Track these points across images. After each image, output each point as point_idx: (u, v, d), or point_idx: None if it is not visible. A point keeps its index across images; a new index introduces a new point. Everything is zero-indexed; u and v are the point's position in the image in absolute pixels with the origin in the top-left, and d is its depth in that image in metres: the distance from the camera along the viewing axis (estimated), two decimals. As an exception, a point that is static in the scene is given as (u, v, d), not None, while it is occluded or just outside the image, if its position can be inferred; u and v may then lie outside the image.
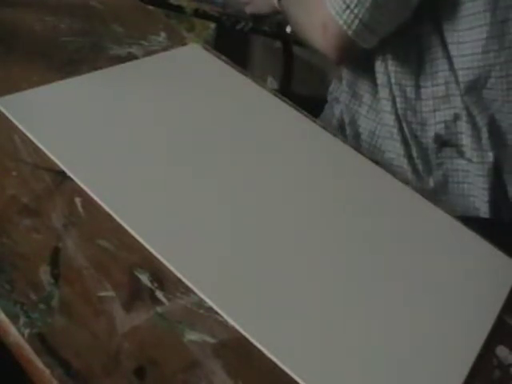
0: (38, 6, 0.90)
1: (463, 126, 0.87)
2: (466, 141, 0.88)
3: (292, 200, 0.70)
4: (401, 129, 0.90)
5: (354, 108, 0.97)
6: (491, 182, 0.88)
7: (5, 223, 0.57)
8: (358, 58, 0.92)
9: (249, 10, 1.21)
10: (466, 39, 0.83)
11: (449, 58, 0.86)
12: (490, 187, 0.87)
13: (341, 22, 0.82)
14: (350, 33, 0.83)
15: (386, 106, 0.91)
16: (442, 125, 0.88)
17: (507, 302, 0.65)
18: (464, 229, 0.73)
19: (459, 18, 0.83)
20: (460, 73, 0.85)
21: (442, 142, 0.89)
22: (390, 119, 0.91)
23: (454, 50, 0.85)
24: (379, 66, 0.91)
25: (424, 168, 0.91)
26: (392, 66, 0.89)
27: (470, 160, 0.88)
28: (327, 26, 0.84)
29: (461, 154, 0.89)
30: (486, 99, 0.86)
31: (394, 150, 0.92)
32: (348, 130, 0.98)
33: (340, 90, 1.01)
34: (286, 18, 1.02)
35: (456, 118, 0.87)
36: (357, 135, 0.97)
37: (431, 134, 0.89)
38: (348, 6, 0.81)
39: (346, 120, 0.98)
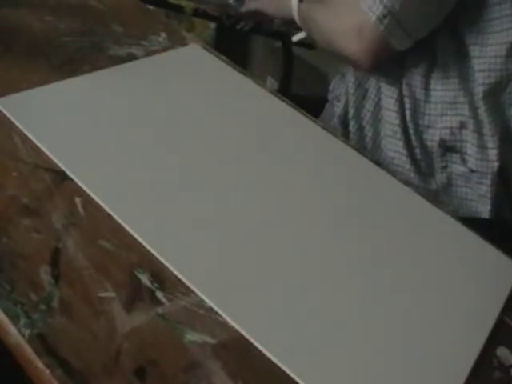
0: (38, 6, 0.90)
1: (469, 134, 0.87)
2: (470, 150, 0.87)
3: (292, 200, 0.70)
4: (405, 129, 0.90)
5: (358, 99, 0.96)
6: (494, 192, 0.87)
7: (5, 223, 0.57)
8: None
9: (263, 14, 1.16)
10: (491, 41, 0.83)
11: (463, 63, 0.85)
12: (492, 196, 0.87)
13: (382, 28, 0.81)
14: (390, 38, 0.82)
15: (392, 104, 0.90)
16: (448, 130, 0.88)
17: (507, 303, 0.65)
18: (465, 230, 0.73)
19: (485, 21, 0.82)
20: (480, 74, 0.84)
21: (447, 147, 0.89)
22: (393, 117, 0.91)
23: (476, 50, 0.84)
24: (392, 65, 0.90)
25: (427, 170, 0.91)
26: (405, 67, 0.88)
27: (471, 169, 0.88)
28: (363, 31, 0.83)
29: (464, 162, 0.88)
30: (504, 103, 0.85)
31: (396, 148, 0.91)
32: (351, 124, 0.97)
33: (343, 85, 1.00)
34: (303, 24, 0.99)
35: (462, 125, 0.87)
36: (360, 129, 0.96)
37: (436, 137, 0.89)
38: (390, 12, 0.80)
39: (351, 113, 0.97)
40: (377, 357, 0.56)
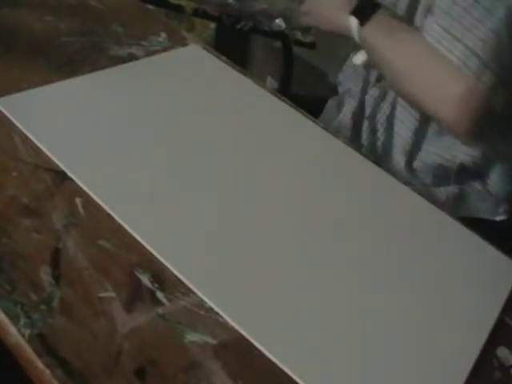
0: (38, 5, 0.90)
1: (496, 165, 0.85)
2: (493, 176, 0.85)
3: (292, 200, 0.70)
4: (414, 145, 0.88)
5: (376, 100, 0.93)
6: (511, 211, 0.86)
7: (5, 223, 0.57)
8: None
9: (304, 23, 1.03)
10: None
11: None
12: (510, 217, 0.86)
13: (494, 100, 0.74)
14: (498, 108, 0.75)
15: (404, 116, 0.88)
16: (469, 157, 0.85)
17: (507, 303, 0.65)
18: (465, 230, 0.73)
19: None
20: None
21: (467, 170, 0.87)
22: (404, 129, 0.88)
23: None
24: None
25: (434, 186, 0.89)
26: None
27: (490, 193, 0.86)
28: (467, 100, 0.73)
29: (483, 184, 0.87)
30: None
31: (403, 162, 0.89)
32: (365, 125, 0.95)
33: (359, 80, 0.96)
34: (366, 49, 0.88)
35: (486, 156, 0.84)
36: (373, 132, 0.94)
37: (457, 161, 0.86)
38: (503, 81, 0.73)
39: (367, 112, 0.94)
40: (377, 357, 0.56)
